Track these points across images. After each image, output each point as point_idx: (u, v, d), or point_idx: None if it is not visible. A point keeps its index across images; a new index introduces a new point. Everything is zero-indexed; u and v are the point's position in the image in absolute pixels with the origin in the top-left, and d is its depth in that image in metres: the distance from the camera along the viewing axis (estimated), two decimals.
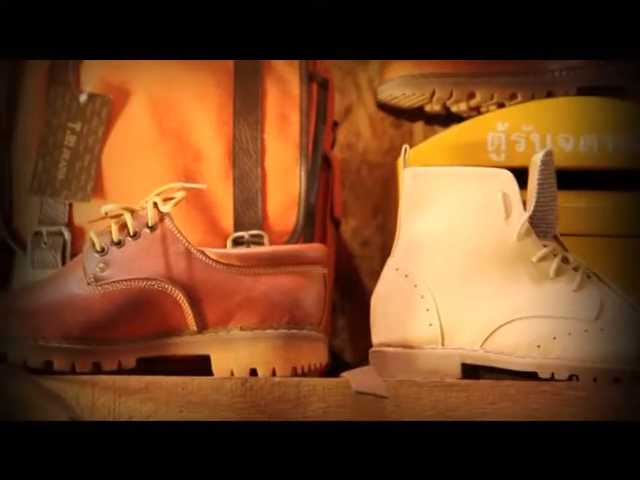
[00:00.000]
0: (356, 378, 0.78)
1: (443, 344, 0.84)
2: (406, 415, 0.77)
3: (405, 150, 0.87)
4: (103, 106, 0.92)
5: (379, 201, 1.15)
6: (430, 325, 0.84)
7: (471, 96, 0.98)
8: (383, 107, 1.02)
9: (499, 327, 0.82)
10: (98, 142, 0.91)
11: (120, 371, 0.79)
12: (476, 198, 0.84)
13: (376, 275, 0.89)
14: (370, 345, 0.87)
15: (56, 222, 0.89)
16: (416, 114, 1.02)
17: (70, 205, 0.90)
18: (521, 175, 0.85)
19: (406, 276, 0.85)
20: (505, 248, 0.83)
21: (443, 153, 0.94)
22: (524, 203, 0.84)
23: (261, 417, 0.77)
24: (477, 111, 0.99)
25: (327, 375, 0.82)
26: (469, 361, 0.83)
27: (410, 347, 0.85)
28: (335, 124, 1.00)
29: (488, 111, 0.98)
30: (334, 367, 0.89)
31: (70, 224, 0.90)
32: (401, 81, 0.98)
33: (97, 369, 0.79)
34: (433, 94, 0.98)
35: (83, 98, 0.92)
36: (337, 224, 0.98)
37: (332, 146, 1.00)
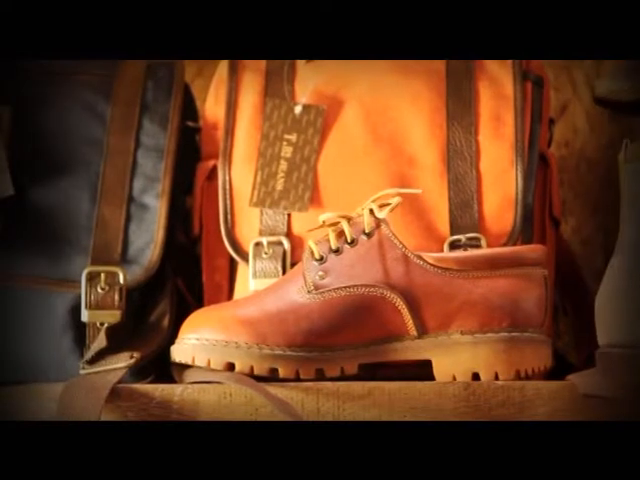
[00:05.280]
0: (583, 380, 0.77)
1: None
2: (638, 418, 0.75)
3: (626, 145, 0.84)
4: (317, 116, 0.93)
5: (599, 198, 1.12)
6: None
7: None
8: (600, 102, 1.00)
9: None
10: (314, 152, 0.93)
11: (342, 377, 0.80)
12: None
13: (598, 274, 0.86)
14: (596, 346, 0.85)
15: (276, 232, 0.91)
16: (636, 108, 0.99)
17: (289, 215, 0.92)
18: None
19: (631, 275, 0.82)
20: None
21: None
22: None
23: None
24: None
25: (551, 378, 0.81)
26: None
27: (639, 347, 0.82)
28: (551, 122, 0.98)
29: None
30: (559, 369, 0.87)
31: (289, 234, 0.91)
32: (619, 74, 0.95)
33: (320, 375, 0.80)
34: None
35: (298, 109, 0.94)
36: (556, 224, 0.97)
37: (549, 144, 0.98)
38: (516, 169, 0.91)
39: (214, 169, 0.94)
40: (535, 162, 0.93)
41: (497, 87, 0.93)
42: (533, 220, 0.92)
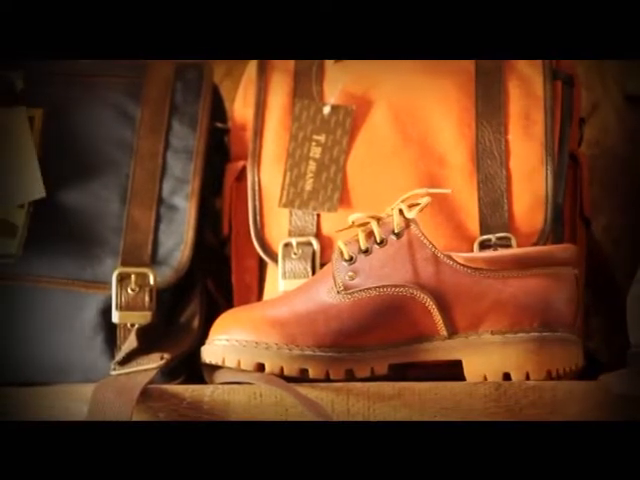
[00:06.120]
0: (615, 380, 0.76)
1: None
2: None
3: None
4: (346, 116, 0.93)
5: (630, 197, 1.11)
6: None
7: None
8: (632, 100, 0.99)
9: None
10: (342, 152, 0.93)
11: (372, 377, 0.80)
12: None
13: (630, 273, 0.86)
14: (627, 346, 0.84)
15: (305, 233, 0.91)
16: None
17: (318, 216, 0.92)
18: None
19: None
20: None
21: None
22: None
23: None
24: None
25: (583, 378, 0.80)
26: None
27: None
28: (582, 121, 0.98)
29: None
30: (590, 370, 0.86)
31: (318, 234, 0.91)
32: None
33: (350, 376, 0.80)
34: None
35: (327, 110, 0.94)
36: (587, 223, 0.96)
37: (579, 144, 0.98)
38: (546, 168, 0.90)
39: (243, 170, 0.95)
40: (565, 161, 0.93)
41: (527, 86, 0.93)
42: (563, 220, 0.92)
